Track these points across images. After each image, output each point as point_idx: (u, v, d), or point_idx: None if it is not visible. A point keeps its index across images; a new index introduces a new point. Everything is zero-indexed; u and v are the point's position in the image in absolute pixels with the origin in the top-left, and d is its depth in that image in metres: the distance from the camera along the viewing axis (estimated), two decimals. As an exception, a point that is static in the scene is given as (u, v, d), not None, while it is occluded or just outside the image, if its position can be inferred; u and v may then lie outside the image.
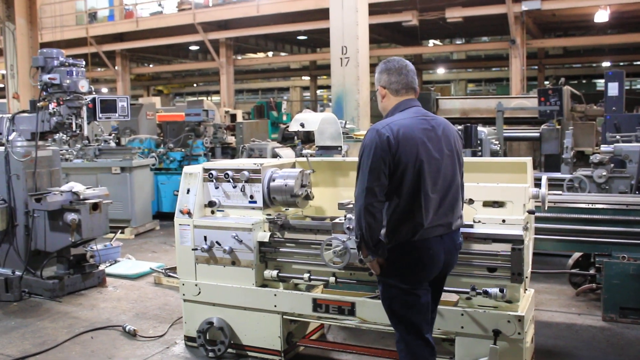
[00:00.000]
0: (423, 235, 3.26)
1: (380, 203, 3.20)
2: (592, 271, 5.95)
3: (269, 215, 4.73)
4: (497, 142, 8.54)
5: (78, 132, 6.41)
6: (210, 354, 4.72)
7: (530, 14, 17.41)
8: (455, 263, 3.61)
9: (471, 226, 3.99)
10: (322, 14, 15.00)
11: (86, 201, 6.31)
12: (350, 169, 5.03)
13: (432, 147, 3.28)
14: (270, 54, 29.18)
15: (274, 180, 4.72)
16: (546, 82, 25.17)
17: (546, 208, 4.21)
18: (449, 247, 3.42)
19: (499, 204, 3.99)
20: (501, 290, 3.86)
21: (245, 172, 4.69)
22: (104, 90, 31.19)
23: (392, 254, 3.29)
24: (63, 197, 6.32)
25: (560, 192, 6.17)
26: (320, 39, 23.61)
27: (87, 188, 6.60)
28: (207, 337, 4.77)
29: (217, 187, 4.84)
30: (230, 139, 12.57)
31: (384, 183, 3.19)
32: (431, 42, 27.74)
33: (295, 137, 10.37)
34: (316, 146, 6.16)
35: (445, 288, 4.13)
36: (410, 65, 3.48)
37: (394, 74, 3.43)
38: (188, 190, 4.88)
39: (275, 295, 4.57)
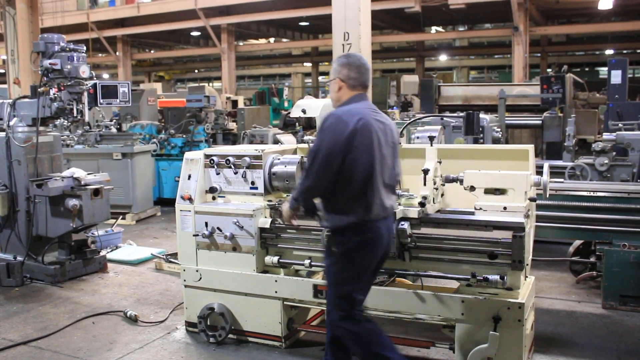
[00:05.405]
0: (374, 217, 3.50)
1: (326, 186, 3.46)
2: (592, 259, 5.96)
3: (270, 201, 4.73)
4: (499, 130, 8.51)
5: (79, 117, 6.41)
6: (211, 340, 4.74)
7: (533, 1, 17.31)
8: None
9: (472, 213, 4.00)
10: (324, -1, 14.93)
11: (87, 187, 6.31)
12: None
13: (382, 138, 3.58)
14: (272, 40, 29.08)
15: (275, 167, 4.71)
16: (549, 70, 25.09)
17: (547, 196, 4.20)
18: (390, 229, 3.70)
19: (500, 191, 4.00)
20: (502, 278, 3.88)
21: (247, 158, 4.68)
22: (105, 76, 31.11)
23: (346, 234, 3.50)
24: (64, 182, 6.33)
25: (561, 180, 6.16)
26: (322, 25, 23.51)
27: (89, 174, 6.61)
28: (208, 323, 4.79)
29: (218, 173, 4.84)
30: (232, 125, 12.53)
31: (335, 170, 3.41)
32: (434, 28, 27.61)
33: (297, 124, 10.33)
34: (317, 132, 6.14)
35: (445, 275, 4.18)
36: (368, 64, 3.75)
37: (354, 71, 3.66)
38: (189, 176, 4.88)
39: (276, 281, 4.58)
